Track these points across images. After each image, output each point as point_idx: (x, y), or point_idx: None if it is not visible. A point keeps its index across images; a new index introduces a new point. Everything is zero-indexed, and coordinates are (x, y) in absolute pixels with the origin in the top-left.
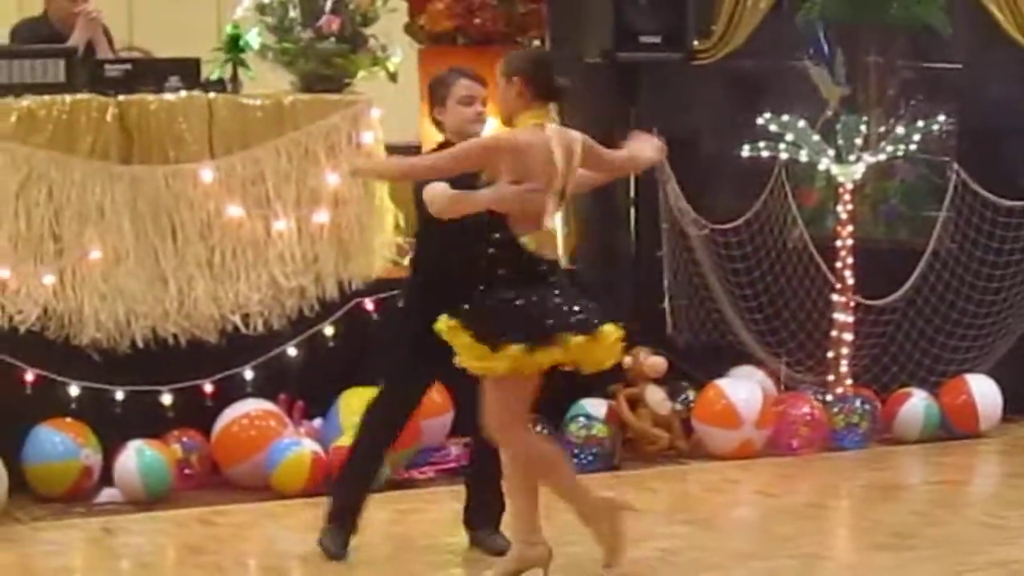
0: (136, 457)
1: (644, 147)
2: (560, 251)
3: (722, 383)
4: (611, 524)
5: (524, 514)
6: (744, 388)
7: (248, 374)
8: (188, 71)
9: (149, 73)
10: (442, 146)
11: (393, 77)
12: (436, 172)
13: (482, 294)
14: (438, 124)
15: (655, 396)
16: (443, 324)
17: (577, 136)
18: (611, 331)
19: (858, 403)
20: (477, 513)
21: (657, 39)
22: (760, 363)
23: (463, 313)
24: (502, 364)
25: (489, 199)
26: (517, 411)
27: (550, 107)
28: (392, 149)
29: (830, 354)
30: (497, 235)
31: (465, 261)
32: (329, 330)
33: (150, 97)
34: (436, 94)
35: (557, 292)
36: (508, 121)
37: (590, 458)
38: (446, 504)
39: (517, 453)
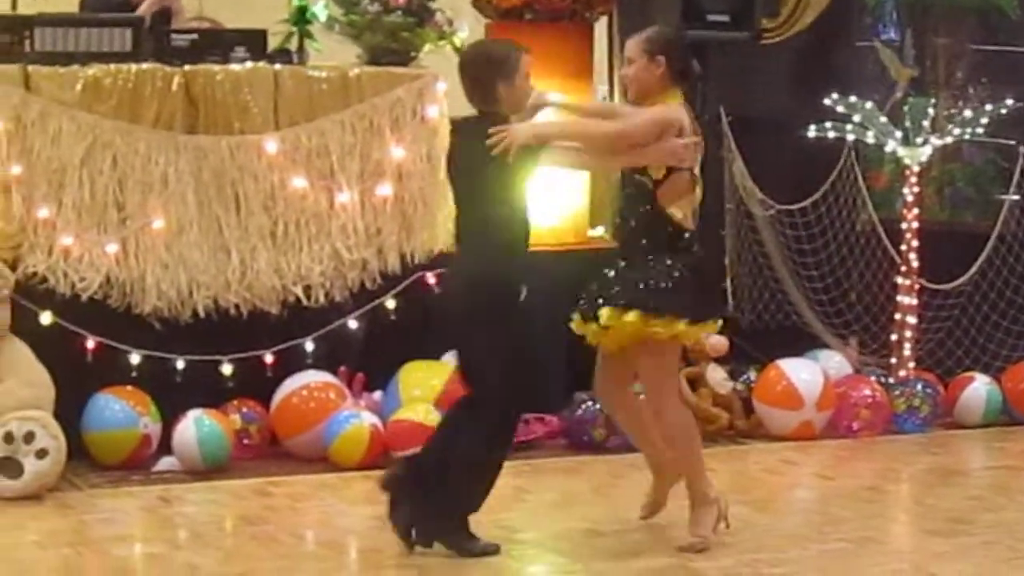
0: (195, 427)
1: None
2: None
3: (783, 364)
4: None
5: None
6: (806, 369)
7: (309, 346)
8: (254, 42)
9: (215, 44)
10: None
11: (459, 52)
12: (625, 139)
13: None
14: (494, 99)
15: (716, 375)
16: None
17: None
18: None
19: (919, 387)
20: None
21: (725, 18)
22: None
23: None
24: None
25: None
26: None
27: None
28: None
29: (894, 337)
30: (648, 207)
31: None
32: (391, 303)
33: (216, 68)
34: (502, 69)
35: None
36: (642, 99)
37: None
38: (503, 479)
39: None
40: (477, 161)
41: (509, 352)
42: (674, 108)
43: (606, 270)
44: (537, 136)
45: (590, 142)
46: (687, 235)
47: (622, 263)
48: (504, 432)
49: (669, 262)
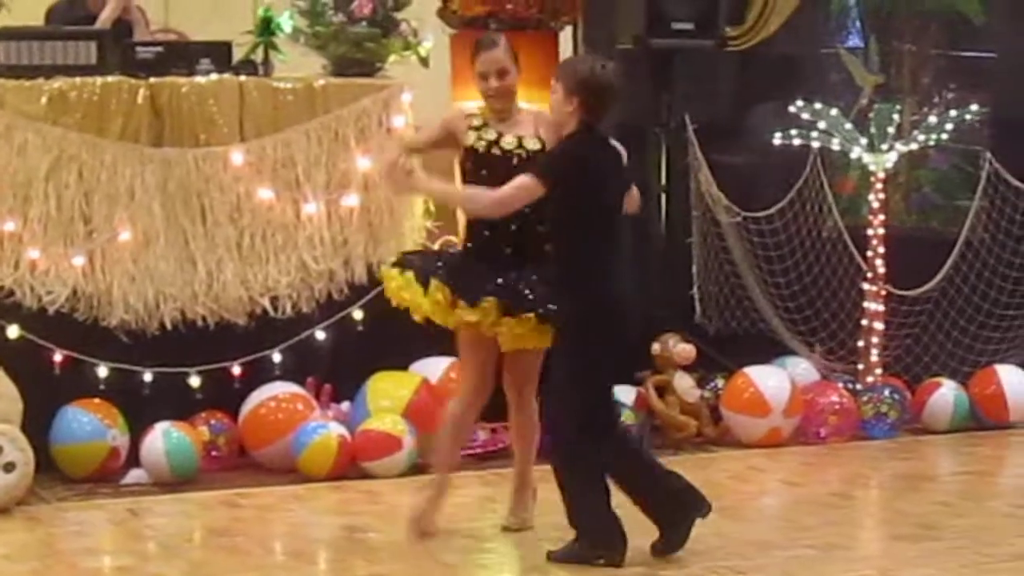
0: (163, 439)
1: None
2: None
3: (751, 371)
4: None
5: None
6: (773, 376)
7: (276, 357)
8: (220, 54)
9: (180, 56)
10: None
11: (425, 62)
12: None
13: None
14: None
15: (683, 383)
16: None
17: None
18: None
19: (887, 392)
20: None
21: (689, 25)
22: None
23: None
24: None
25: None
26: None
27: None
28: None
29: (860, 343)
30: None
31: None
32: (358, 314)
33: (181, 80)
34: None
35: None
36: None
37: None
38: (472, 489)
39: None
40: None
41: None
42: None
43: None
44: None
45: None
46: None
47: None
48: None
49: None
